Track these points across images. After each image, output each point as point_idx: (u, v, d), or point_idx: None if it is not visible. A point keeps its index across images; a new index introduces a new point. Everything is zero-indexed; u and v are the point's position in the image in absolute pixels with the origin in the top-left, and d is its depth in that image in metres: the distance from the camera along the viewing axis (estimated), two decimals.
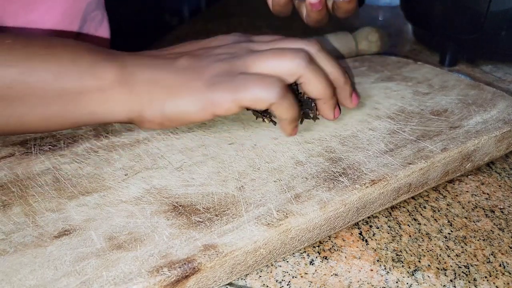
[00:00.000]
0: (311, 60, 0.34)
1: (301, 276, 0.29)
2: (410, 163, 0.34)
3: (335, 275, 0.29)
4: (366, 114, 0.41)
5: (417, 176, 0.34)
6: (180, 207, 0.30)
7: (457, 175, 0.38)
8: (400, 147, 0.36)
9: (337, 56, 0.54)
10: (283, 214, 0.29)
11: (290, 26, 0.76)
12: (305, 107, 0.39)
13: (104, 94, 0.32)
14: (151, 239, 0.27)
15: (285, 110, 0.33)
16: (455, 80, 0.48)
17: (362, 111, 0.42)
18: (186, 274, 0.25)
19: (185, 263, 0.25)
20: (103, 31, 0.61)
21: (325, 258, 0.31)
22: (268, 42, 0.36)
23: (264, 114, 0.39)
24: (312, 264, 0.30)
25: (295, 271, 0.30)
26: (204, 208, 0.29)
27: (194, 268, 0.25)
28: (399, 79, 0.49)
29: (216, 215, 0.29)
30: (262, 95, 0.32)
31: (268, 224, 0.28)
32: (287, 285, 0.29)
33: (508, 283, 0.29)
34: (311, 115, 0.39)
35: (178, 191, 0.31)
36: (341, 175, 0.32)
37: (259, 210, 0.29)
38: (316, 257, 0.31)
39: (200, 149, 0.36)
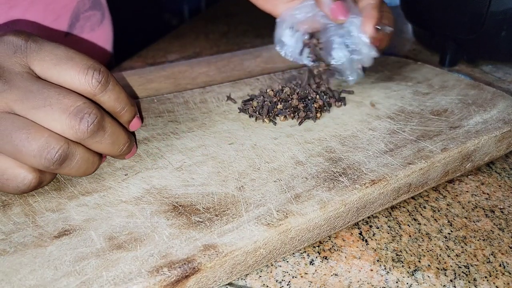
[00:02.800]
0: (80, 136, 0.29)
1: (301, 276, 0.29)
2: (410, 163, 0.34)
3: (335, 275, 0.29)
4: (366, 114, 0.41)
5: (417, 176, 0.34)
6: (180, 207, 0.30)
7: (457, 175, 0.38)
8: (400, 147, 0.36)
9: None
10: (283, 214, 0.29)
11: None
12: (305, 109, 0.39)
13: None
14: (151, 239, 0.27)
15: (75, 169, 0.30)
16: (455, 80, 0.48)
17: (362, 111, 0.42)
18: (186, 274, 0.25)
19: (185, 263, 0.25)
20: (102, 31, 0.61)
21: (325, 258, 0.31)
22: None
23: (260, 113, 0.39)
24: (312, 264, 0.30)
25: (295, 271, 0.30)
26: (204, 208, 0.29)
27: (194, 268, 0.25)
28: (399, 79, 0.49)
29: (216, 215, 0.29)
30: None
31: (268, 224, 0.28)
32: (287, 285, 0.29)
33: (508, 283, 0.29)
34: (311, 115, 0.39)
35: (178, 191, 0.31)
36: (341, 175, 0.32)
37: (259, 210, 0.29)
38: (316, 257, 0.31)
39: (200, 149, 0.36)
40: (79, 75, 0.29)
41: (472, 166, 0.38)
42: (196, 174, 0.33)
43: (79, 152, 0.30)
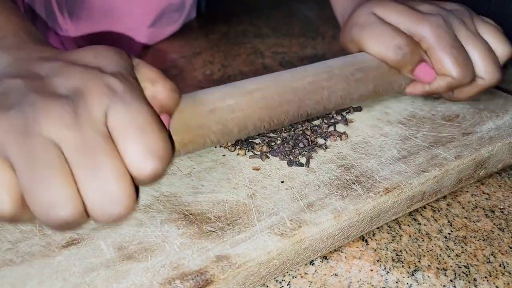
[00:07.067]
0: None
1: (301, 276, 0.29)
2: (424, 171, 0.33)
3: (335, 275, 0.29)
4: (377, 119, 0.40)
5: (431, 184, 0.33)
6: (190, 215, 0.29)
7: (470, 182, 0.37)
8: (413, 153, 0.35)
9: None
10: (297, 224, 0.28)
11: (289, 26, 0.76)
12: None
13: None
14: (162, 249, 0.26)
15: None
16: None
17: (373, 115, 0.41)
18: (199, 286, 0.24)
19: (197, 275, 0.25)
20: (171, 29, 0.70)
21: (325, 258, 0.30)
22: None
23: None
24: (312, 264, 0.30)
25: (295, 271, 0.29)
26: (215, 217, 0.29)
27: (207, 280, 0.25)
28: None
29: (228, 224, 0.28)
30: None
31: (282, 234, 0.27)
32: (287, 285, 0.28)
33: (508, 283, 0.29)
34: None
35: (187, 198, 0.30)
36: (354, 183, 0.32)
37: (272, 219, 0.29)
38: (316, 257, 0.30)
39: (209, 154, 0.35)
40: (138, 155, 0.24)
41: (485, 173, 0.37)
42: (206, 181, 0.32)
43: (82, 222, 0.24)
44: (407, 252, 0.31)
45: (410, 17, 0.39)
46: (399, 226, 0.33)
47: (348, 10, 0.46)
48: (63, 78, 0.25)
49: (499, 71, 0.39)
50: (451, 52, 0.38)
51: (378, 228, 0.33)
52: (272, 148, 0.36)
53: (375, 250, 0.31)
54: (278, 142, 0.36)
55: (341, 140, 0.37)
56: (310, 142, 0.36)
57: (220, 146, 0.36)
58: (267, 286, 0.28)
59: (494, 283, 0.29)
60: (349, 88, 0.38)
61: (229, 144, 0.36)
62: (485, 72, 0.39)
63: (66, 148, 0.23)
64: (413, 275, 0.29)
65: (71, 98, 0.24)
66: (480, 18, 0.42)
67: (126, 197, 0.23)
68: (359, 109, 0.42)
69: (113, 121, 0.24)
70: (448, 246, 0.31)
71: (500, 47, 0.40)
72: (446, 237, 0.32)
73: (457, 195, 0.36)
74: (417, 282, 0.29)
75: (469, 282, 0.29)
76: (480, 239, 0.32)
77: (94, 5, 0.61)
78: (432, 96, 0.44)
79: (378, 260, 0.30)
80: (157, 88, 0.27)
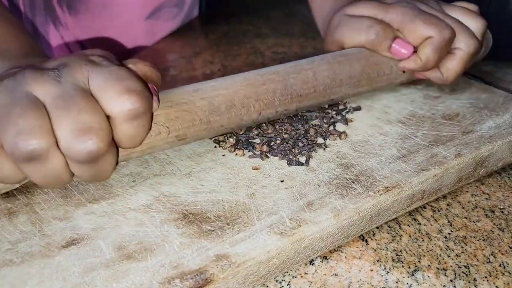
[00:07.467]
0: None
1: (301, 276, 0.29)
2: (423, 170, 0.33)
3: (335, 275, 0.29)
4: (376, 118, 0.40)
5: (431, 183, 0.33)
6: (190, 215, 0.29)
7: (470, 181, 0.37)
8: (413, 152, 0.35)
9: None
10: (296, 223, 0.28)
11: (289, 26, 0.76)
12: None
13: None
14: (162, 248, 0.26)
15: None
16: (465, 83, 0.47)
17: (372, 115, 0.41)
18: (199, 285, 0.24)
19: (197, 274, 0.25)
20: (169, 25, 0.71)
21: (325, 258, 0.30)
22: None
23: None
24: (312, 264, 0.30)
25: (295, 271, 0.29)
26: (215, 216, 0.29)
27: (206, 279, 0.25)
28: (408, 82, 0.48)
29: (228, 224, 0.28)
30: None
31: (281, 233, 0.27)
32: (287, 285, 0.28)
33: (508, 283, 0.29)
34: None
35: (187, 198, 0.30)
36: (354, 182, 0.32)
37: (271, 218, 0.29)
38: (316, 257, 0.30)
39: (208, 154, 0.35)
40: (116, 97, 0.26)
41: (485, 172, 0.37)
42: (205, 181, 0.32)
43: (55, 162, 0.26)
44: (407, 252, 0.31)
45: (378, 8, 0.43)
46: (399, 226, 0.33)
47: (327, 21, 0.50)
48: (53, 60, 0.29)
49: (474, 37, 0.41)
50: (419, 18, 0.40)
51: (378, 228, 0.33)
52: (272, 148, 0.36)
53: (375, 250, 0.31)
54: (278, 141, 0.36)
55: (340, 139, 0.37)
56: (309, 142, 0.36)
57: (219, 146, 0.36)
58: (267, 286, 0.28)
59: (494, 283, 0.29)
60: (333, 69, 0.39)
61: (228, 144, 0.36)
62: (460, 41, 0.41)
63: (47, 99, 0.26)
64: (413, 275, 0.29)
65: (56, 69, 0.27)
66: (449, 4, 0.44)
67: (98, 127, 0.25)
68: (358, 108, 0.42)
69: (92, 82, 0.27)
70: (448, 246, 0.31)
71: (471, 22, 0.42)
72: (446, 237, 0.32)
73: (457, 195, 0.36)
74: (417, 282, 0.29)
75: (469, 282, 0.29)
76: (480, 239, 0.32)
77: None
78: (431, 95, 0.44)
79: (378, 260, 0.30)
80: (138, 65, 0.30)
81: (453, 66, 0.41)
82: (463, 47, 0.41)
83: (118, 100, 0.26)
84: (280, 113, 0.37)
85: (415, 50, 0.41)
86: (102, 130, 0.26)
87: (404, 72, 0.43)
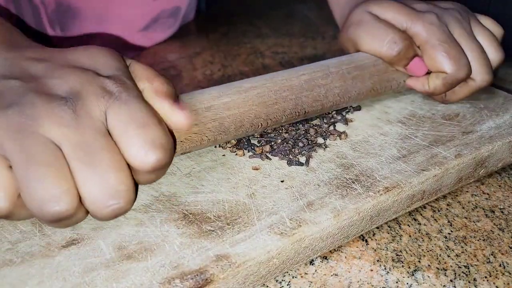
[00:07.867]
0: None
1: (301, 276, 0.29)
2: (424, 170, 0.33)
3: (335, 275, 0.29)
4: (376, 118, 0.40)
5: (431, 183, 0.33)
6: (190, 215, 0.29)
7: (470, 181, 0.37)
8: (413, 152, 0.35)
9: None
10: (296, 223, 0.28)
11: (289, 26, 0.76)
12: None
13: None
14: (162, 249, 0.26)
15: None
16: None
17: (372, 115, 0.41)
18: (199, 285, 0.24)
19: (197, 274, 0.25)
20: (165, 34, 0.69)
21: (325, 258, 0.30)
22: None
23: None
24: (312, 264, 0.30)
25: (295, 271, 0.29)
26: (215, 216, 0.29)
27: (206, 280, 0.25)
28: None
29: (228, 224, 0.28)
30: None
31: (281, 233, 0.27)
32: (287, 285, 0.28)
33: (508, 283, 0.29)
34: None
35: (187, 198, 0.30)
36: (354, 182, 0.32)
37: (272, 218, 0.29)
38: (316, 257, 0.30)
39: (208, 154, 0.35)
40: (140, 148, 0.24)
41: (485, 172, 0.37)
42: (206, 181, 0.32)
43: (79, 216, 0.24)
44: (407, 252, 0.31)
45: (404, 14, 0.40)
46: (399, 226, 0.33)
47: (345, 12, 0.47)
48: (60, 80, 0.25)
49: (491, 73, 0.40)
50: (442, 47, 0.38)
51: (378, 228, 0.33)
52: (272, 148, 0.36)
53: (375, 250, 0.31)
54: (278, 141, 0.36)
55: (340, 139, 0.37)
56: (309, 142, 0.36)
57: (219, 146, 0.36)
58: (267, 286, 0.28)
59: (494, 283, 0.29)
60: (346, 86, 0.38)
61: (228, 145, 0.36)
62: (477, 73, 0.39)
63: (65, 146, 0.23)
64: (413, 275, 0.29)
65: (70, 100, 0.24)
66: (476, 18, 0.42)
67: (125, 190, 0.23)
68: (358, 108, 0.42)
69: (112, 121, 0.24)
70: (448, 246, 0.31)
71: (492, 52, 0.40)
72: (446, 237, 0.32)
73: (457, 195, 0.36)
74: (417, 282, 0.29)
75: (469, 282, 0.29)
76: (480, 239, 0.32)
77: (87, 17, 0.59)
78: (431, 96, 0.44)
79: (378, 260, 0.30)
80: (155, 83, 0.27)
81: (459, 92, 0.41)
82: (477, 80, 0.39)
83: (143, 155, 0.24)
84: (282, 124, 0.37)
85: (428, 72, 0.41)
86: (128, 191, 0.24)
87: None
